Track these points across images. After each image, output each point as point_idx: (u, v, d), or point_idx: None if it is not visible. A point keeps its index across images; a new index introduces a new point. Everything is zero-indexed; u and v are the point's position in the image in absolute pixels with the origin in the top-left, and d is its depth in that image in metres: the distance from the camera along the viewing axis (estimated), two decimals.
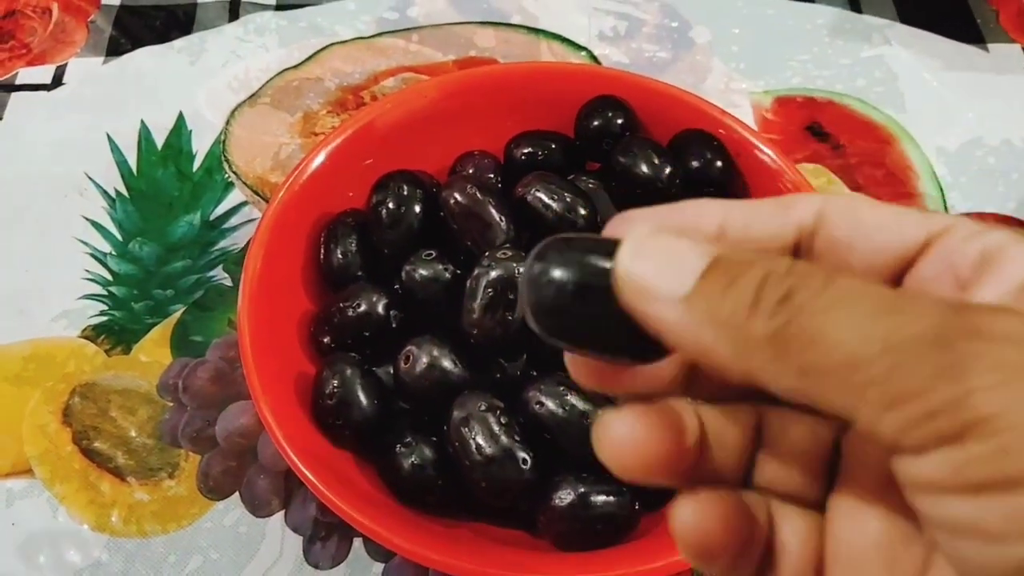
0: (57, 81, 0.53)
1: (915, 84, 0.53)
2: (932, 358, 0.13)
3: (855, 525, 0.17)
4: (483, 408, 0.32)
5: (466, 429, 0.31)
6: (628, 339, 0.17)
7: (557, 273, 0.17)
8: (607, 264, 0.16)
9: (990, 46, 0.55)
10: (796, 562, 0.18)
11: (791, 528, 0.18)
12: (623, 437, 0.17)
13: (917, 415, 0.13)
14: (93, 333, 0.43)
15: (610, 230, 0.18)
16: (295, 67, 0.54)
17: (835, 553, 0.17)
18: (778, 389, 0.15)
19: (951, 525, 0.13)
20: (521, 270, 0.33)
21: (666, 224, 0.18)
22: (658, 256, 0.16)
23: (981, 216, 0.47)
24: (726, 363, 0.15)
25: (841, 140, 0.50)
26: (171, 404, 0.41)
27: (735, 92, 0.53)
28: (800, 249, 0.18)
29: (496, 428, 0.31)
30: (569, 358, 0.19)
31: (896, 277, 0.18)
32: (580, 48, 0.55)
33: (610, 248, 0.17)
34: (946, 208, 0.47)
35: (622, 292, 0.16)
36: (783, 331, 0.14)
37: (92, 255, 0.45)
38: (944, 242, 0.17)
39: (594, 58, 0.54)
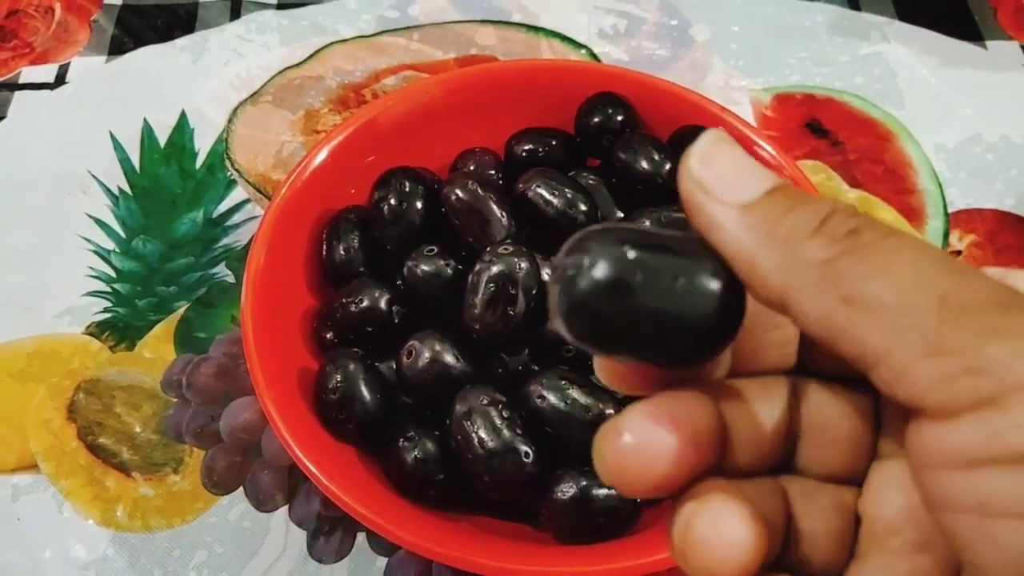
0: (60, 80, 0.54)
1: (914, 81, 0.53)
2: (987, 318, 0.12)
3: (890, 503, 0.16)
4: (485, 402, 0.32)
5: (468, 423, 0.32)
6: (670, 342, 0.15)
7: (590, 269, 0.15)
8: (647, 257, 0.15)
9: (988, 43, 0.56)
10: (823, 545, 0.17)
11: (818, 515, 0.17)
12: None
13: (958, 368, 0.12)
14: (97, 330, 0.43)
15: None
16: (297, 65, 0.54)
17: (871, 530, 0.17)
18: (810, 315, 0.14)
19: (983, 504, 0.12)
20: (522, 266, 0.33)
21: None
22: (729, 163, 0.16)
23: (979, 212, 0.47)
24: (766, 275, 0.15)
25: (840, 137, 0.51)
26: (175, 400, 0.41)
27: (735, 89, 0.53)
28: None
29: (498, 422, 0.31)
30: (599, 361, 0.17)
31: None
32: (580, 46, 0.55)
33: (649, 239, 0.15)
34: (945, 204, 0.48)
35: (684, 184, 0.16)
36: (842, 258, 0.14)
37: (96, 252, 0.46)
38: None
39: (594, 56, 0.54)
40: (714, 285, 0.15)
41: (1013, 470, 0.12)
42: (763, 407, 0.17)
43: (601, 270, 0.15)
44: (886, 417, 0.17)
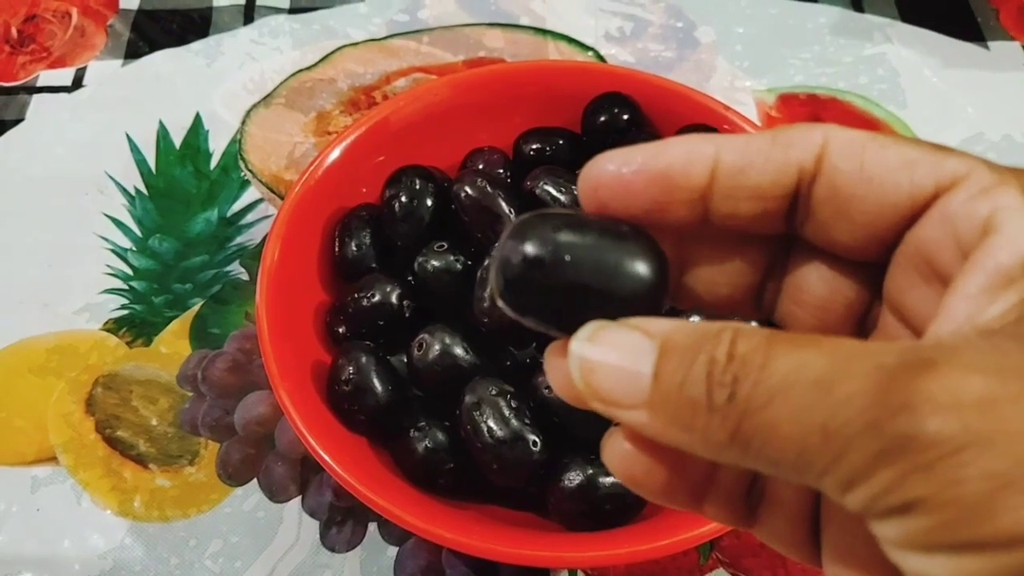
0: (77, 83, 0.55)
1: (916, 81, 0.54)
2: (869, 443, 0.13)
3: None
4: (494, 393, 0.33)
5: (478, 413, 0.32)
6: (593, 316, 0.16)
7: (524, 250, 0.16)
8: (574, 240, 0.16)
9: (990, 44, 0.56)
10: (793, 511, 0.18)
11: (786, 484, 0.18)
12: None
13: (868, 497, 0.14)
14: (115, 326, 0.44)
15: (586, 173, 0.18)
16: (309, 68, 0.55)
17: (829, 510, 0.17)
18: (752, 472, 0.15)
19: (912, 573, 0.14)
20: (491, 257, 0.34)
21: (651, 168, 0.17)
22: (606, 367, 0.16)
23: None
24: (709, 458, 0.15)
25: None
26: (191, 394, 0.42)
27: (739, 90, 0.54)
28: (800, 192, 0.17)
29: (507, 412, 0.32)
30: (549, 371, 0.18)
31: (900, 230, 0.17)
32: (587, 48, 0.56)
33: (579, 222, 0.17)
34: None
35: (590, 405, 0.16)
36: (739, 431, 0.14)
37: (113, 251, 0.47)
38: (950, 200, 0.16)
39: (601, 58, 0.55)
40: (635, 263, 0.16)
41: (926, 557, 0.13)
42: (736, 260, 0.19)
43: (530, 251, 0.16)
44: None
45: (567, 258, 0.16)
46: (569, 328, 0.16)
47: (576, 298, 0.16)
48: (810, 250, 0.19)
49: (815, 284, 0.19)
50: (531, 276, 0.16)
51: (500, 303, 0.17)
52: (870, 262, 0.18)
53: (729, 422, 0.14)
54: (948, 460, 0.13)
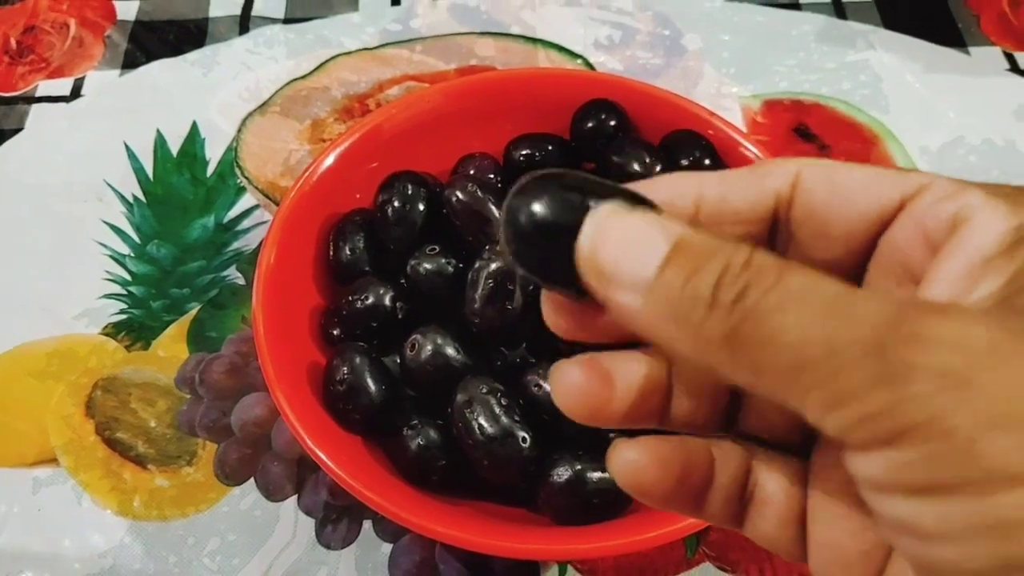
0: (76, 93, 0.56)
1: (899, 86, 0.55)
2: (871, 363, 0.13)
3: (838, 480, 0.17)
4: (484, 391, 0.33)
5: (469, 411, 0.33)
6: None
7: (532, 207, 0.17)
8: (578, 203, 0.17)
9: (971, 49, 0.57)
10: (780, 512, 0.18)
11: (774, 477, 0.19)
12: (570, 384, 0.18)
13: (856, 418, 0.13)
14: (113, 330, 0.45)
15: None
16: (303, 77, 0.56)
17: (818, 505, 0.18)
18: (736, 383, 0.15)
19: (893, 522, 0.14)
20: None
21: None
22: (619, 240, 0.16)
23: None
24: (686, 356, 0.15)
25: (827, 141, 0.52)
26: (188, 396, 0.43)
27: (725, 96, 0.55)
28: (779, 218, 0.18)
29: (497, 409, 0.33)
30: (545, 305, 0.19)
31: (872, 240, 0.18)
32: (576, 56, 0.57)
33: (586, 187, 0.17)
34: None
35: (584, 275, 0.16)
36: (737, 331, 0.14)
37: (112, 257, 0.48)
38: (916, 204, 0.17)
39: (590, 65, 0.56)
40: None
41: (909, 500, 0.13)
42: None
43: (539, 208, 0.17)
44: None
45: (572, 217, 0.16)
46: (570, 288, 0.17)
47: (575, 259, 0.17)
48: None
49: None
50: (535, 233, 0.17)
51: (509, 260, 0.17)
52: (850, 276, 0.18)
53: (729, 321, 0.14)
54: (947, 394, 0.13)
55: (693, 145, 0.41)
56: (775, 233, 0.19)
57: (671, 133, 0.42)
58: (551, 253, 0.17)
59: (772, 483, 0.19)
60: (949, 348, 0.13)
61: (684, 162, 0.41)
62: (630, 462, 0.18)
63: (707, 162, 0.41)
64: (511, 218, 0.17)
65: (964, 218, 0.16)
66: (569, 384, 0.18)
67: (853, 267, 0.18)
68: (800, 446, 0.19)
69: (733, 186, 0.18)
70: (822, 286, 0.14)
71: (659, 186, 0.19)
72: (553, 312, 0.19)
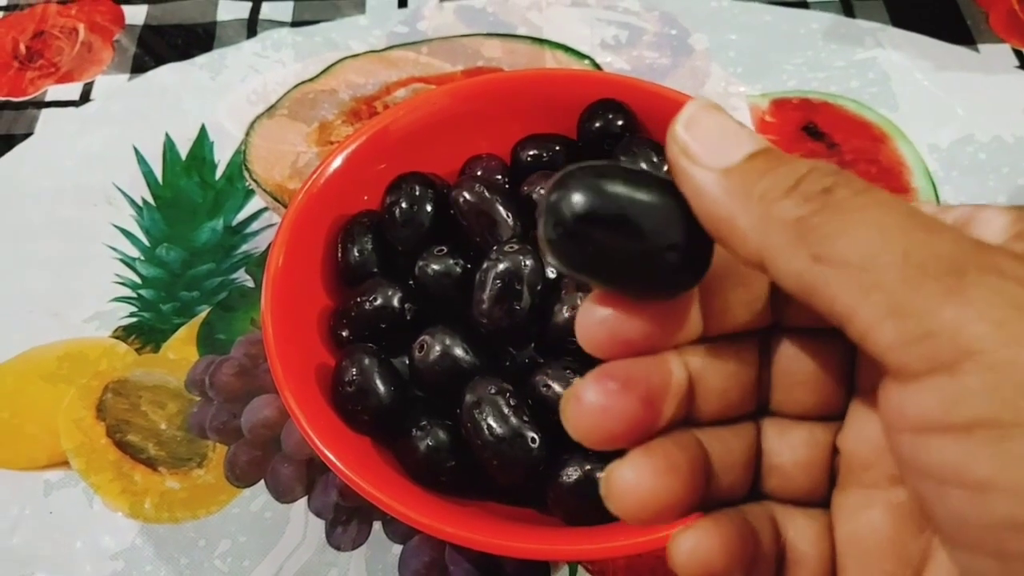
0: (85, 97, 0.56)
1: (907, 84, 0.55)
2: (946, 280, 0.13)
3: (862, 519, 0.17)
4: (493, 391, 0.33)
5: (478, 412, 0.33)
6: (642, 270, 0.17)
7: (575, 200, 0.16)
8: (625, 191, 0.16)
9: (980, 46, 0.57)
10: (814, 566, 0.18)
11: (802, 534, 0.18)
12: (631, 488, 0.17)
13: (917, 331, 0.13)
14: (124, 333, 0.45)
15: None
16: (311, 80, 0.56)
17: (846, 549, 0.18)
18: (784, 272, 0.15)
19: (937, 470, 0.13)
20: (527, 263, 0.35)
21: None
22: (712, 128, 0.16)
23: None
24: (744, 235, 0.15)
25: (836, 139, 0.52)
26: (198, 398, 0.43)
27: (733, 95, 0.55)
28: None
29: (506, 410, 0.33)
30: (584, 318, 0.18)
31: None
32: (583, 56, 0.57)
33: (628, 176, 0.16)
34: (938, 201, 0.49)
35: (670, 152, 0.16)
36: (813, 217, 0.14)
37: (121, 260, 0.48)
38: None
39: (597, 66, 0.56)
40: (686, 221, 0.16)
41: (961, 439, 0.12)
42: (731, 362, 0.18)
43: (582, 202, 0.16)
44: (864, 360, 0.18)
45: (621, 211, 0.16)
46: (620, 283, 0.17)
47: (630, 252, 0.16)
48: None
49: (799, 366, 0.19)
50: (582, 231, 0.16)
51: (549, 260, 0.17)
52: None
53: (809, 206, 0.14)
54: (1017, 324, 0.12)
55: None
56: (776, 299, 0.19)
57: None
58: (606, 245, 0.16)
59: (802, 541, 0.18)
60: None
61: None
62: (698, 552, 0.17)
63: None
64: (556, 213, 0.16)
65: (964, 221, 0.16)
66: (632, 487, 0.17)
67: None
68: (824, 497, 0.19)
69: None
70: (910, 206, 0.14)
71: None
72: (595, 324, 0.18)
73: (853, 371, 0.18)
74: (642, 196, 0.16)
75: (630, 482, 0.16)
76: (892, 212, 0.14)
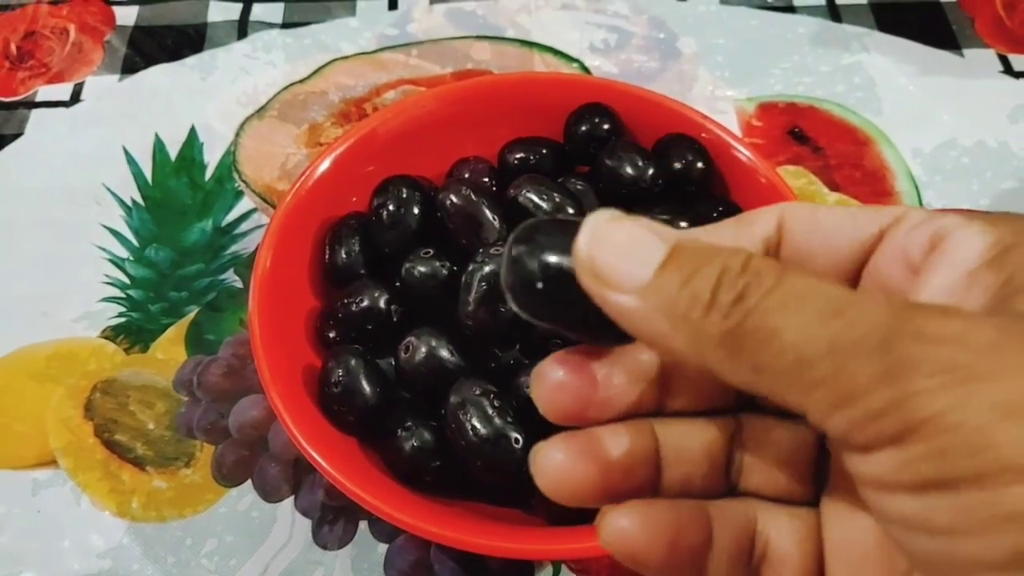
0: (75, 98, 0.56)
1: (892, 89, 0.55)
2: (875, 360, 0.13)
3: (851, 526, 0.17)
4: (478, 393, 0.34)
5: (462, 412, 0.34)
6: (594, 318, 0.17)
7: (532, 254, 0.17)
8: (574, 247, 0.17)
9: (965, 51, 0.58)
10: (797, 565, 0.18)
11: (785, 533, 0.18)
12: (552, 467, 0.18)
13: (862, 416, 0.13)
14: (112, 333, 0.45)
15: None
16: (301, 82, 0.56)
17: (834, 554, 0.18)
18: (734, 383, 0.15)
19: (902, 521, 0.14)
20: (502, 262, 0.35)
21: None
22: (617, 243, 0.16)
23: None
24: (683, 355, 0.16)
25: (821, 143, 0.53)
26: (186, 398, 0.43)
27: (720, 99, 0.55)
28: None
29: (490, 411, 0.33)
30: (539, 385, 0.19)
31: (856, 272, 0.18)
32: (572, 60, 0.57)
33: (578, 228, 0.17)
34: (921, 205, 0.50)
35: (581, 277, 0.16)
36: (736, 330, 0.14)
37: (111, 260, 0.48)
38: (895, 232, 0.17)
39: (586, 69, 0.57)
40: None
41: (919, 497, 0.13)
42: (698, 432, 0.19)
43: (540, 256, 0.17)
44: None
45: (567, 267, 0.17)
46: (576, 328, 0.18)
47: (580, 304, 0.17)
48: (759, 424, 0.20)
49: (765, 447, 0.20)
50: (535, 284, 0.17)
51: (513, 306, 0.18)
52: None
53: (728, 321, 0.14)
54: (953, 389, 0.13)
55: (686, 148, 0.42)
56: None
57: (664, 137, 0.43)
58: (559, 295, 0.17)
59: (786, 540, 0.18)
60: (953, 344, 0.13)
61: (677, 165, 0.41)
62: (619, 530, 0.17)
63: (700, 165, 0.41)
64: (515, 266, 0.17)
65: (942, 237, 0.16)
66: (552, 466, 0.18)
67: None
68: (811, 496, 0.19)
69: (723, 236, 0.19)
70: (822, 287, 0.14)
71: None
72: (550, 391, 0.19)
73: None
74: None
75: (548, 460, 0.18)
76: (806, 304, 0.14)
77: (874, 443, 0.13)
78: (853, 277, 0.18)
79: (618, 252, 0.16)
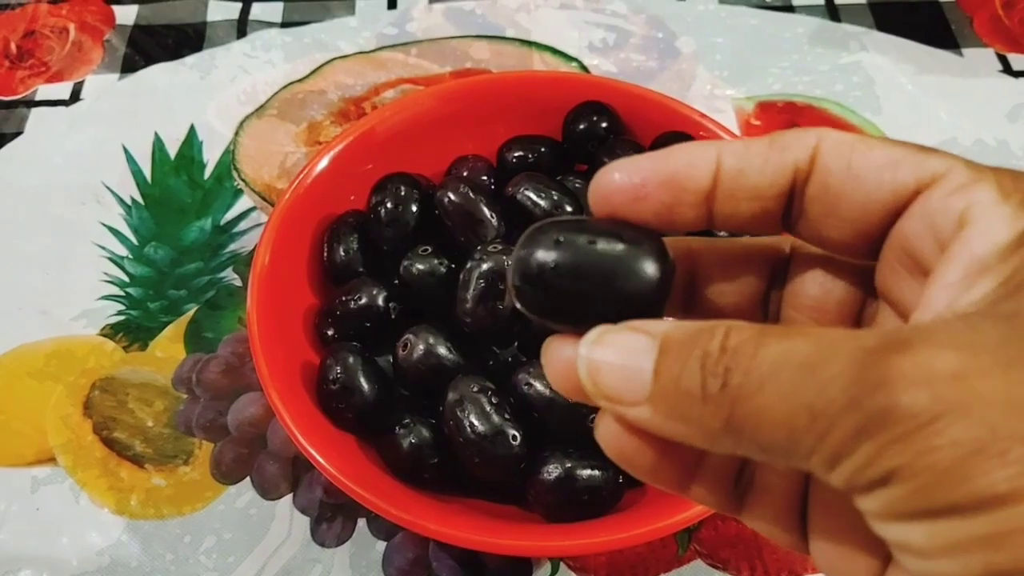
0: (75, 97, 0.56)
1: (891, 88, 0.55)
2: (849, 421, 0.14)
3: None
4: (475, 390, 0.34)
5: (460, 409, 0.34)
6: (599, 318, 0.17)
7: (539, 254, 0.18)
8: (582, 246, 0.17)
9: (964, 51, 0.58)
10: (780, 501, 0.19)
11: (775, 471, 0.19)
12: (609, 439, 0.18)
13: (851, 471, 0.14)
14: (111, 331, 0.45)
15: (596, 183, 0.19)
16: (300, 80, 0.56)
17: (817, 499, 0.18)
18: (752, 459, 0.16)
19: (897, 544, 0.15)
20: (509, 262, 0.36)
21: (659, 174, 0.18)
22: (611, 363, 0.17)
23: None
24: (701, 444, 0.16)
25: None
26: (185, 396, 0.43)
27: (719, 98, 0.55)
28: (795, 190, 0.18)
29: (488, 408, 0.34)
30: (546, 363, 0.19)
31: (885, 226, 0.18)
32: (571, 59, 0.57)
33: (589, 227, 0.18)
34: None
35: (594, 401, 0.17)
36: (732, 417, 0.15)
37: (110, 259, 0.48)
38: (929, 196, 0.17)
39: (585, 68, 0.57)
40: (639, 266, 0.18)
41: (902, 524, 0.14)
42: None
43: (543, 257, 0.18)
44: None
45: (576, 263, 0.17)
46: (580, 325, 0.18)
47: (585, 299, 0.18)
48: (807, 260, 0.20)
49: (809, 287, 0.20)
50: (543, 281, 0.18)
51: (517, 306, 0.18)
52: (860, 262, 0.19)
53: (722, 410, 0.15)
54: (922, 431, 0.14)
55: None
56: (791, 206, 0.19)
57: (662, 135, 0.43)
58: (569, 296, 0.18)
59: (773, 471, 0.19)
60: (916, 385, 0.14)
61: None
62: (614, 431, 0.18)
63: None
64: (523, 266, 0.18)
65: (969, 220, 0.16)
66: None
67: (864, 248, 0.18)
68: None
69: (751, 160, 0.18)
70: (794, 352, 0.15)
71: (678, 154, 0.18)
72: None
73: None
74: (600, 250, 0.18)
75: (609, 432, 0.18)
76: (782, 377, 0.15)
77: (867, 487, 0.14)
78: (881, 230, 0.18)
79: (616, 372, 0.17)
